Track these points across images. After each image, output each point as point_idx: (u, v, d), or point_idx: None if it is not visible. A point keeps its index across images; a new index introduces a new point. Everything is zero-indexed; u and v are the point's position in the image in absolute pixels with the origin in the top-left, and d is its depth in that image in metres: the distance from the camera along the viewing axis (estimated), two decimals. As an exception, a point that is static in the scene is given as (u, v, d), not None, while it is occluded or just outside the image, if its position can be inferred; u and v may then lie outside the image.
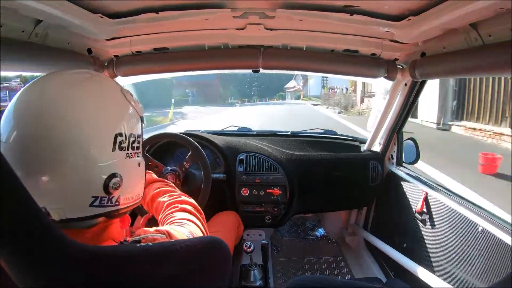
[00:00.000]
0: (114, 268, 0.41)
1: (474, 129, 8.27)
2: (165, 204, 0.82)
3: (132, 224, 0.94)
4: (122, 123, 0.55)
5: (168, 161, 1.55)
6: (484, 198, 3.88)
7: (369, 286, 0.67)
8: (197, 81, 27.56)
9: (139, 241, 0.53)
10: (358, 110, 15.91)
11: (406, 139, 1.69)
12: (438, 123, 9.50)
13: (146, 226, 0.66)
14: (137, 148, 0.59)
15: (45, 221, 0.36)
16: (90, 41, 1.17)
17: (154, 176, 1.02)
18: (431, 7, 0.89)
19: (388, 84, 1.52)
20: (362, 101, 16.52)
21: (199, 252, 0.50)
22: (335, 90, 22.79)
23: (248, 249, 1.18)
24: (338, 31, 1.23)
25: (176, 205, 0.80)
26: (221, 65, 1.46)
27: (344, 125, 10.83)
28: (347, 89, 20.43)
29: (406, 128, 1.66)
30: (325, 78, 24.92)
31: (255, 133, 1.99)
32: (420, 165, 5.04)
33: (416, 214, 1.41)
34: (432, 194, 1.34)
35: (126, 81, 1.52)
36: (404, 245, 1.51)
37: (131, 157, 0.56)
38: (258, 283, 1.28)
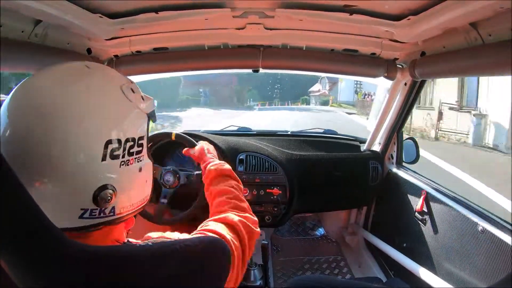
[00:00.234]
0: (114, 268, 0.41)
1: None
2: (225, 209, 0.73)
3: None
4: (116, 127, 0.49)
5: (168, 161, 1.55)
6: None
7: (369, 285, 0.67)
8: (211, 80, 24.52)
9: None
10: (429, 130, 10.89)
11: (406, 139, 1.69)
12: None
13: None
14: (138, 152, 0.53)
15: (45, 221, 0.36)
16: (90, 41, 1.17)
17: (227, 167, 0.88)
18: (431, 7, 0.89)
19: (389, 83, 1.52)
20: (440, 117, 10.37)
21: (200, 252, 0.49)
22: (372, 96, 17.99)
23: None
24: (337, 31, 1.23)
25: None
26: (221, 65, 1.46)
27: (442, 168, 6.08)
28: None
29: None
30: (358, 83, 21.22)
31: (255, 132, 1.98)
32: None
33: (416, 213, 1.41)
34: (432, 193, 1.34)
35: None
36: (404, 244, 1.51)
37: (128, 165, 0.50)
38: (258, 283, 1.28)
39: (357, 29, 1.20)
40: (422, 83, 1.43)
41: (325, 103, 27.55)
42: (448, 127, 10.06)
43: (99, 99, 0.48)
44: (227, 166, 0.89)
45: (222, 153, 1.55)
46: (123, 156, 0.49)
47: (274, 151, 1.66)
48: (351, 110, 20.21)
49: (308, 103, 30.10)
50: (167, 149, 1.59)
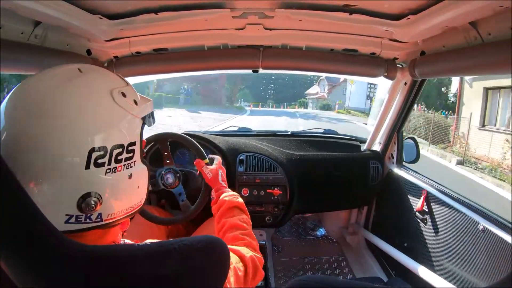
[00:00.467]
0: (113, 268, 0.41)
1: None
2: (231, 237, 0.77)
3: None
4: (101, 134, 0.47)
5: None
6: None
7: (370, 285, 0.67)
8: (198, 76, 20.42)
9: None
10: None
11: (406, 138, 1.69)
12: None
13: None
14: (128, 158, 0.51)
15: (44, 222, 0.36)
16: (90, 42, 1.17)
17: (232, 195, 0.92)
18: (430, 6, 0.89)
19: (389, 83, 1.52)
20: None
21: (198, 252, 0.49)
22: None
23: None
24: (337, 31, 1.23)
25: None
26: (221, 65, 1.46)
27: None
28: (424, 105, 13.05)
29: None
30: (372, 86, 18.12)
31: (255, 133, 1.99)
32: None
33: (417, 213, 1.41)
34: (432, 193, 1.33)
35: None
36: (405, 244, 1.51)
37: (114, 172, 0.49)
38: (259, 284, 1.27)
39: (357, 29, 1.19)
40: (422, 83, 1.43)
41: (325, 107, 25.05)
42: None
43: (85, 104, 0.47)
44: (240, 199, 0.91)
45: (222, 154, 1.55)
46: (109, 164, 0.48)
47: (274, 151, 1.66)
48: (364, 118, 17.22)
49: (306, 106, 27.87)
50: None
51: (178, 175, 1.26)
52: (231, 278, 0.57)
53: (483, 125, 8.86)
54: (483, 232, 1.04)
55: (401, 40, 1.20)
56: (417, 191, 1.44)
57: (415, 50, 1.25)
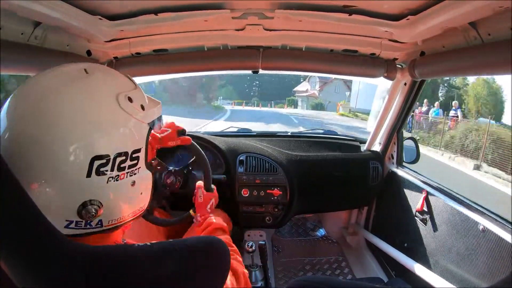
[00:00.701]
0: (114, 268, 0.41)
1: None
2: None
3: None
4: (104, 143, 0.46)
5: (168, 161, 1.55)
6: None
7: (371, 286, 0.67)
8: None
9: None
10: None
11: (406, 139, 1.69)
12: None
13: None
14: (132, 166, 0.50)
15: (45, 222, 0.36)
16: (90, 43, 1.18)
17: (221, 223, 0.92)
18: (430, 6, 0.89)
19: (389, 83, 1.52)
20: None
21: (199, 252, 0.49)
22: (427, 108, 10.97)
23: (250, 249, 1.18)
24: (337, 31, 1.23)
25: None
26: (221, 66, 1.46)
27: None
28: (460, 109, 10.09)
29: None
30: None
31: (255, 133, 1.99)
32: None
33: (417, 213, 1.41)
34: (432, 193, 1.33)
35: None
36: (405, 244, 1.50)
37: (117, 180, 0.48)
38: (259, 284, 1.27)
39: (357, 30, 1.20)
40: (422, 83, 1.43)
41: (317, 106, 22.69)
42: None
43: (88, 111, 0.45)
44: (224, 224, 0.94)
45: (222, 154, 1.55)
46: (111, 170, 0.47)
47: (274, 152, 1.66)
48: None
49: (296, 105, 25.58)
50: (167, 150, 1.59)
51: (178, 176, 1.26)
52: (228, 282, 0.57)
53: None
54: (483, 232, 1.04)
55: (401, 41, 1.20)
56: (417, 191, 1.44)
57: (415, 50, 1.25)
